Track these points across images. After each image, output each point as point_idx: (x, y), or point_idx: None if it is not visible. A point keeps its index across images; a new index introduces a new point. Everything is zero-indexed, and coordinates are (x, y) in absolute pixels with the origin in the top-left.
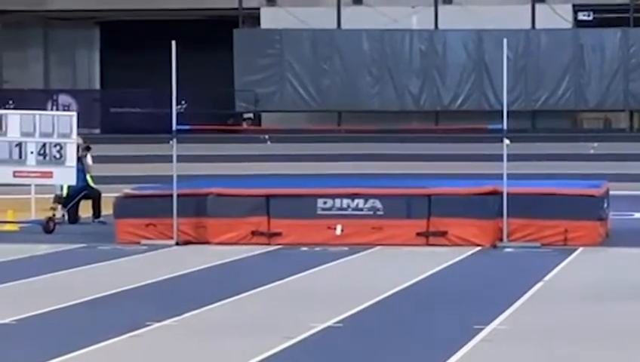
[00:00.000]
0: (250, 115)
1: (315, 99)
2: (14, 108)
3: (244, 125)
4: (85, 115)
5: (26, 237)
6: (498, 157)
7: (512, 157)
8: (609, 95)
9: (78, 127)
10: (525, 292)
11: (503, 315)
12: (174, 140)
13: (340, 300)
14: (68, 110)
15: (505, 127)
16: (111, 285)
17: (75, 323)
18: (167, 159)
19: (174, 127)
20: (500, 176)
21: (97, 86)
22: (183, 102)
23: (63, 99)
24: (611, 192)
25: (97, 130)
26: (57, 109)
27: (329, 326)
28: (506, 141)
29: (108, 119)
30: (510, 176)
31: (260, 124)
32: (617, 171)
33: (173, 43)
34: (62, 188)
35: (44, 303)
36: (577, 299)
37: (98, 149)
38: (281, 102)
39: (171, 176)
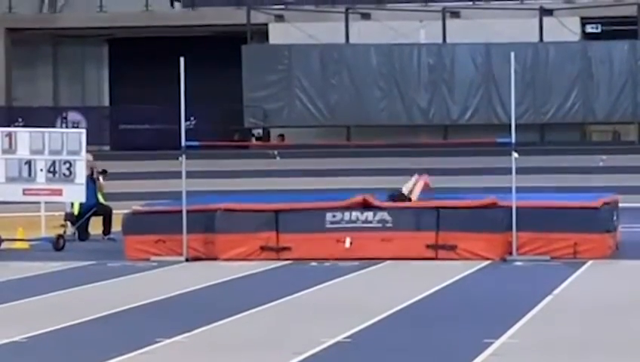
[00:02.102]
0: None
1: (324, 114)
2: (23, 126)
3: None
4: (94, 131)
5: (36, 255)
6: (507, 171)
7: (520, 171)
8: (617, 107)
9: (88, 144)
10: (535, 306)
11: (512, 329)
12: (183, 156)
13: (349, 315)
14: (77, 127)
15: (513, 140)
16: (121, 302)
17: (85, 341)
18: (177, 175)
19: (183, 143)
20: (508, 190)
21: (106, 103)
22: (191, 118)
23: (72, 116)
24: (621, 205)
25: (107, 147)
26: (67, 126)
27: (339, 342)
28: (515, 154)
29: (117, 136)
30: (519, 189)
31: (269, 140)
32: (626, 183)
33: (182, 59)
34: (72, 205)
35: (54, 320)
36: (587, 312)
37: (107, 166)
38: (290, 118)
39: (180, 193)
